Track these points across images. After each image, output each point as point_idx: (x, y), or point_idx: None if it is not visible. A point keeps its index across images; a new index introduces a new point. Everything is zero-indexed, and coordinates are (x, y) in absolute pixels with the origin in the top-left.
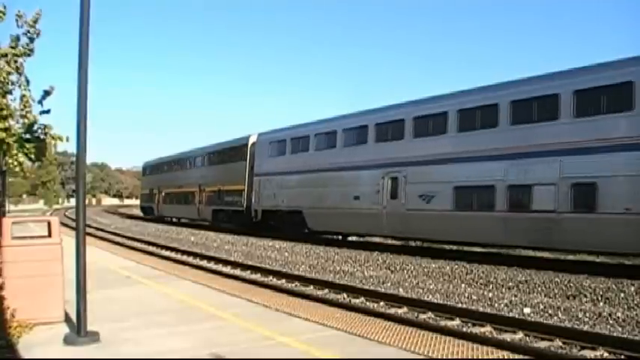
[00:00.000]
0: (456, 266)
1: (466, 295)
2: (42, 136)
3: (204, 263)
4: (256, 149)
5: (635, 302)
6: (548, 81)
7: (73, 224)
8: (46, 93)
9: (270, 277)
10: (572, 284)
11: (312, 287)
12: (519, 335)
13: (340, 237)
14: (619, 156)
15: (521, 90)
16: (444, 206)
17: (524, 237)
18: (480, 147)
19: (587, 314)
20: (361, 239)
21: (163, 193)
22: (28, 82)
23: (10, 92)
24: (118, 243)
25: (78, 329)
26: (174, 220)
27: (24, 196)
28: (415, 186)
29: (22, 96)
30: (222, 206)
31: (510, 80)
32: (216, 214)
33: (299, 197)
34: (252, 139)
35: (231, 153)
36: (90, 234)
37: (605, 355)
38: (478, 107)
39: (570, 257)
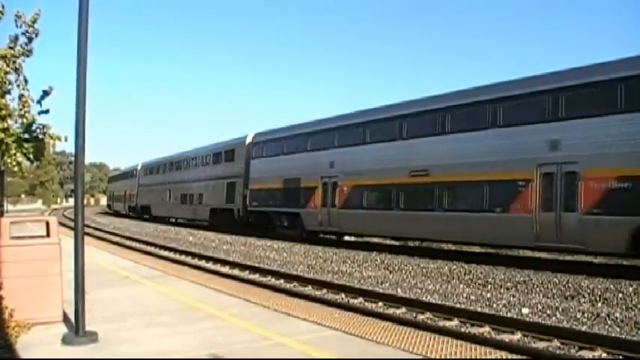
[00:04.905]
0: (455, 266)
1: (464, 295)
2: (40, 136)
3: (202, 263)
4: (140, 171)
5: (634, 303)
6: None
7: (72, 224)
8: (45, 93)
9: (269, 277)
10: (570, 285)
11: (310, 287)
12: (518, 335)
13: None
14: (216, 182)
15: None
16: (179, 201)
17: (192, 215)
18: (187, 176)
19: (586, 315)
20: (359, 240)
21: (114, 195)
22: (26, 81)
23: (8, 92)
24: (116, 243)
25: (76, 329)
26: (118, 212)
27: (22, 195)
28: (174, 192)
29: (21, 96)
30: (130, 203)
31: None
32: (129, 208)
33: (150, 199)
34: (139, 166)
35: (132, 172)
36: (88, 234)
37: (604, 355)
38: (192, 159)
39: (569, 258)
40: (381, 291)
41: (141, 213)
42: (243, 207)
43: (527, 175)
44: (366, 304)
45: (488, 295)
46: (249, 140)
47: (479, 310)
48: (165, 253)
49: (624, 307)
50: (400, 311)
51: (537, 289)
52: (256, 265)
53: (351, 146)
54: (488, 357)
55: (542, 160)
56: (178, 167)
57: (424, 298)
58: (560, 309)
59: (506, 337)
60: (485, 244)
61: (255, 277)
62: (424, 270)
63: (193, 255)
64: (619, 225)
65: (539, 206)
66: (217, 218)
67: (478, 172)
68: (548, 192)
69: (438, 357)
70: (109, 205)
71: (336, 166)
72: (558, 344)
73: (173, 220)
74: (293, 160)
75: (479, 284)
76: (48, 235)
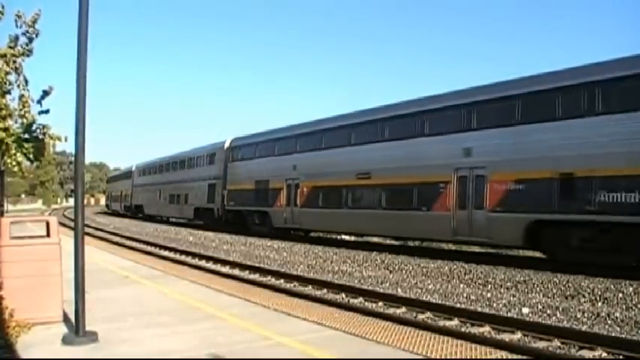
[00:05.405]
0: (455, 266)
1: (465, 295)
2: (40, 136)
3: (202, 263)
4: (134, 172)
5: (634, 302)
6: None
7: (72, 224)
8: (45, 93)
9: (269, 277)
10: (570, 284)
11: (310, 287)
12: (518, 335)
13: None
14: (199, 183)
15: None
16: (167, 201)
17: (179, 214)
18: (175, 177)
19: (586, 314)
20: (359, 239)
21: (112, 195)
22: (26, 81)
23: (8, 92)
24: (116, 243)
25: (76, 329)
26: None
27: (22, 195)
28: (164, 192)
29: (21, 96)
30: (126, 203)
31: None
32: (125, 207)
33: (143, 198)
34: (134, 168)
35: (128, 174)
36: (88, 234)
37: (604, 355)
38: (179, 161)
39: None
40: (382, 291)
41: (135, 212)
42: (222, 206)
43: (447, 178)
44: (367, 303)
45: (489, 294)
46: (227, 145)
47: (479, 309)
48: (166, 253)
49: (624, 306)
50: (400, 311)
51: (537, 289)
52: (256, 265)
53: (309, 151)
54: (489, 357)
55: (458, 165)
56: (167, 169)
57: (424, 298)
58: (561, 309)
59: (506, 337)
60: (414, 238)
61: (256, 277)
62: (424, 270)
63: (193, 255)
64: (515, 221)
65: (455, 205)
66: (200, 217)
67: (408, 175)
68: (462, 193)
69: (438, 357)
70: (107, 205)
71: (298, 169)
72: (558, 344)
73: (167, 219)
74: (263, 163)
75: (479, 284)
76: (48, 235)
